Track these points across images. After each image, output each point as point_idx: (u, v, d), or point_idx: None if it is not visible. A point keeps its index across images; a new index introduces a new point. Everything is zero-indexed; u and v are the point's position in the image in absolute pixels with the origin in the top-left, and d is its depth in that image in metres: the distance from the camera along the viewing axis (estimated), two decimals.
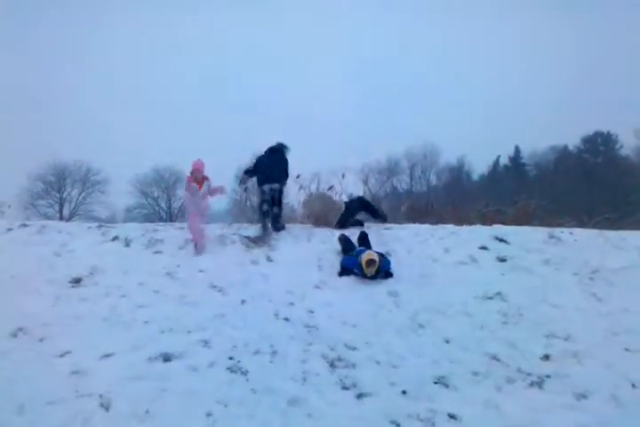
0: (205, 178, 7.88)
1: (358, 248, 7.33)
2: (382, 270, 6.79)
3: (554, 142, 47.15)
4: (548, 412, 4.12)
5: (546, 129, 49.70)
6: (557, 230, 8.41)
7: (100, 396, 4.15)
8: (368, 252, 6.89)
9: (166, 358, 4.85)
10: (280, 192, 8.76)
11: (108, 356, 4.87)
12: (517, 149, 50.17)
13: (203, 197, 7.88)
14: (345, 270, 6.95)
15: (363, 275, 6.74)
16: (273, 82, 72.96)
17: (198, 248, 7.50)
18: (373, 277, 6.73)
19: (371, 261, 6.66)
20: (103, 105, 61.01)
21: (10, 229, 8.09)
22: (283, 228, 8.72)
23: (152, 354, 4.89)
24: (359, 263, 6.74)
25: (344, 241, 7.66)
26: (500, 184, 38.85)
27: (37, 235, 7.94)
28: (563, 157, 45.97)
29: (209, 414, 3.96)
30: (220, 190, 8.23)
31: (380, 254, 6.94)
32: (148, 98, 66.81)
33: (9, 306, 5.59)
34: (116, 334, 5.32)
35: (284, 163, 8.85)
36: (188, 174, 7.95)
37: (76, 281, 6.48)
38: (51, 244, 7.57)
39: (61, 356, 4.84)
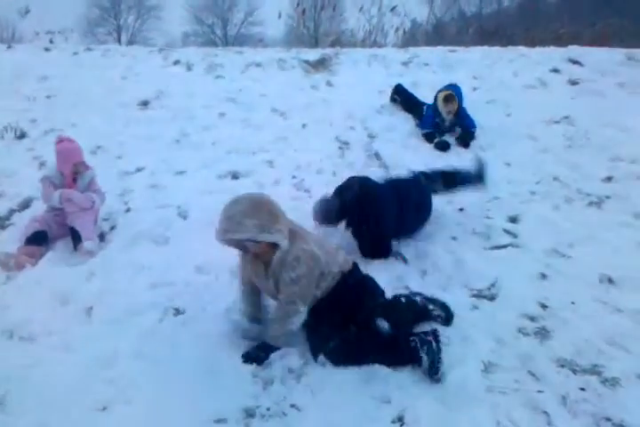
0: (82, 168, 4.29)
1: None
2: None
3: None
4: (605, 229, 4.17)
5: None
6: (637, 51, 7.70)
7: (178, 207, 4.47)
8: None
9: (234, 175, 5.11)
10: None
11: (180, 173, 5.16)
12: None
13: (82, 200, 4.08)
14: (427, 132, 5.96)
15: (440, 121, 5.95)
16: None
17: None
18: (452, 128, 5.97)
19: (449, 96, 5.85)
20: None
21: (75, 53, 8.12)
22: None
23: (221, 172, 5.15)
24: (436, 108, 5.94)
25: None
26: (581, 4, 34.60)
27: (103, 58, 7.97)
28: None
29: None
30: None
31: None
32: None
33: (85, 126, 5.88)
34: (187, 153, 5.56)
35: None
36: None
37: (144, 104, 6.64)
38: (116, 67, 7.62)
39: (139, 171, 5.19)
